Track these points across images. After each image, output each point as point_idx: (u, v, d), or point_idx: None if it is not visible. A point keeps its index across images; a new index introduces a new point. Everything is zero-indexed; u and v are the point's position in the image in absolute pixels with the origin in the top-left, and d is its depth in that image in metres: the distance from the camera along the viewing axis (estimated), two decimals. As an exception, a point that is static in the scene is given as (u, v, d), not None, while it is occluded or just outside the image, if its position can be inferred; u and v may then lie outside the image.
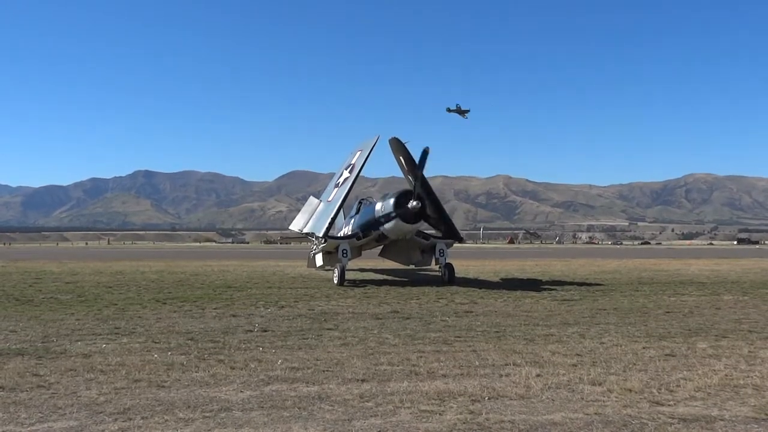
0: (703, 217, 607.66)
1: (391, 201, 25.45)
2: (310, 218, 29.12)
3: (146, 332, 12.63)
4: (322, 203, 29.12)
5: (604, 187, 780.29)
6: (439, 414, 7.11)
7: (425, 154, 25.40)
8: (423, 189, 26.93)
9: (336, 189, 28.08)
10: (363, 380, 8.63)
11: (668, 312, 16.31)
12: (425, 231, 27.64)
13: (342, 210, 28.89)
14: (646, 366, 9.57)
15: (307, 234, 29.66)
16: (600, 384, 8.41)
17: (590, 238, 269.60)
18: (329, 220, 26.03)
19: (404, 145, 27.60)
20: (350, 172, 27.45)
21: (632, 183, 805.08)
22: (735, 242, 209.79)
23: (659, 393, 8.02)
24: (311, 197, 31.96)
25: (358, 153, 28.06)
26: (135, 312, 15.82)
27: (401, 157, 28.30)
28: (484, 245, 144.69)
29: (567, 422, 6.85)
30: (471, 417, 6.99)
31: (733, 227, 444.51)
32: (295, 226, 31.26)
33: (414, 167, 27.81)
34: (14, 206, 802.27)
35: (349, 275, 26.04)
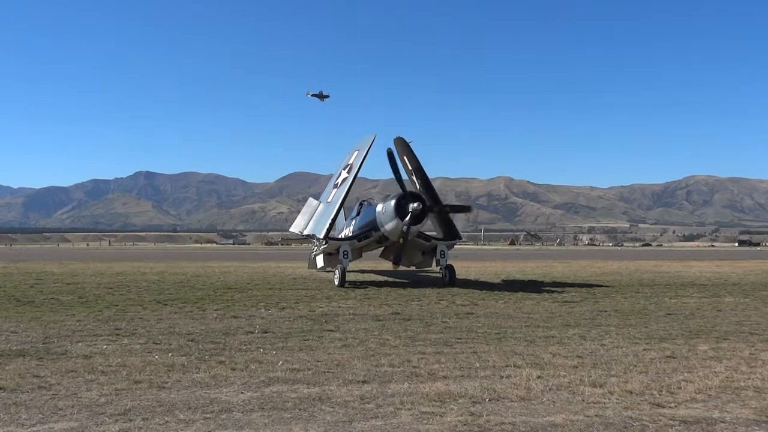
0: (704, 219, 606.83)
1: (392, 202, 25.40)
2: (310, 220, 29.03)
3: (147, 333, 12.63)
4: (321, 204, 29.02)
5: (605, 188, 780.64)
6: (440, 416, 7.10)
7: (390, 155, 25.32)
8: (425, 189, 26.94)
9: (335, 190, 27.95)
10: (364, 382, 8.63)
11: (669, 314, 16.30)
12: (426, 232, 27.62)
13: (343, 211, 28.81)
14: (647, 368, 9.56)
15: (307, 236, 29.61)
16: (601, 386, 8.40)
17: (589, 239, 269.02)
18: (329, 221, 25.93)
19: (409, 145, 27.52)
20: (348, 172, 27.31)
21: (633, 185, 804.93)
22: (736, 244, 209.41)
23: (660, 395, 8.01)
24: (310, 198, 31.89)
25: (356, 153, 27.91)
26: (136, 313, 15.81)
27: (405, 158, 28.25)
28: (485, 247, 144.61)
29: (568, 424, 6.84)
30: (472, 419, 6.99)
31: (734, 229, 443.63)
32: (296, 227, 31.22)
33: (418, 168, 27.77)
34: (15, 207, 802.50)
35: (349, 276, 26.00)
